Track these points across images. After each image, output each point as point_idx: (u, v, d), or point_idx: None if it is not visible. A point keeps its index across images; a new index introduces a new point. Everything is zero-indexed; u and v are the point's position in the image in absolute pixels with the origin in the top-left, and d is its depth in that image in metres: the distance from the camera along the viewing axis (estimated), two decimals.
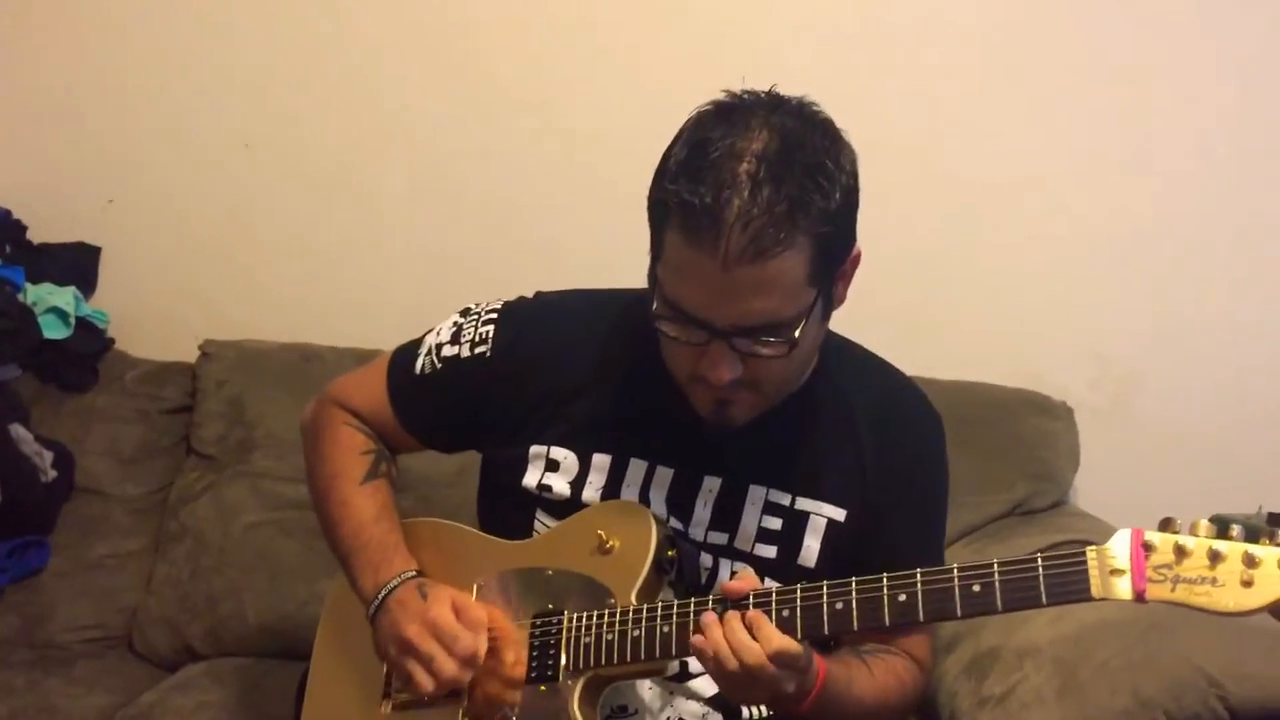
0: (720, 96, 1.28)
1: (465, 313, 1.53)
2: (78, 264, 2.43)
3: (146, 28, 2.41)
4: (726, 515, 1.42)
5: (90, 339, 2.37)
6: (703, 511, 1.42)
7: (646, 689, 1.42)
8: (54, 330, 2.31)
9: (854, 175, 1.26)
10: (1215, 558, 1.09)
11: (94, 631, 2.17)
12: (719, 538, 1.43)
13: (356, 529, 1.48)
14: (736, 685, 1.24)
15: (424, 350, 1.53)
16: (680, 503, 1.43)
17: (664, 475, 1.43)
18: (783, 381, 1.33)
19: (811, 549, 1.42)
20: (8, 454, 2.12)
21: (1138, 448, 2.27)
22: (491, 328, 1.49)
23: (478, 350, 1.48)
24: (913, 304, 2.27)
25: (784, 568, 1.42)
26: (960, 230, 2.28)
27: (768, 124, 1.22)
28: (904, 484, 1.44)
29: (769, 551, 1.42)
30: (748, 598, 1.26)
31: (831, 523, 1.42)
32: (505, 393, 1.47)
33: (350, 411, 1.57)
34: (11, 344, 2.24)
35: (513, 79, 2.33)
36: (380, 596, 1.40)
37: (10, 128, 2.47)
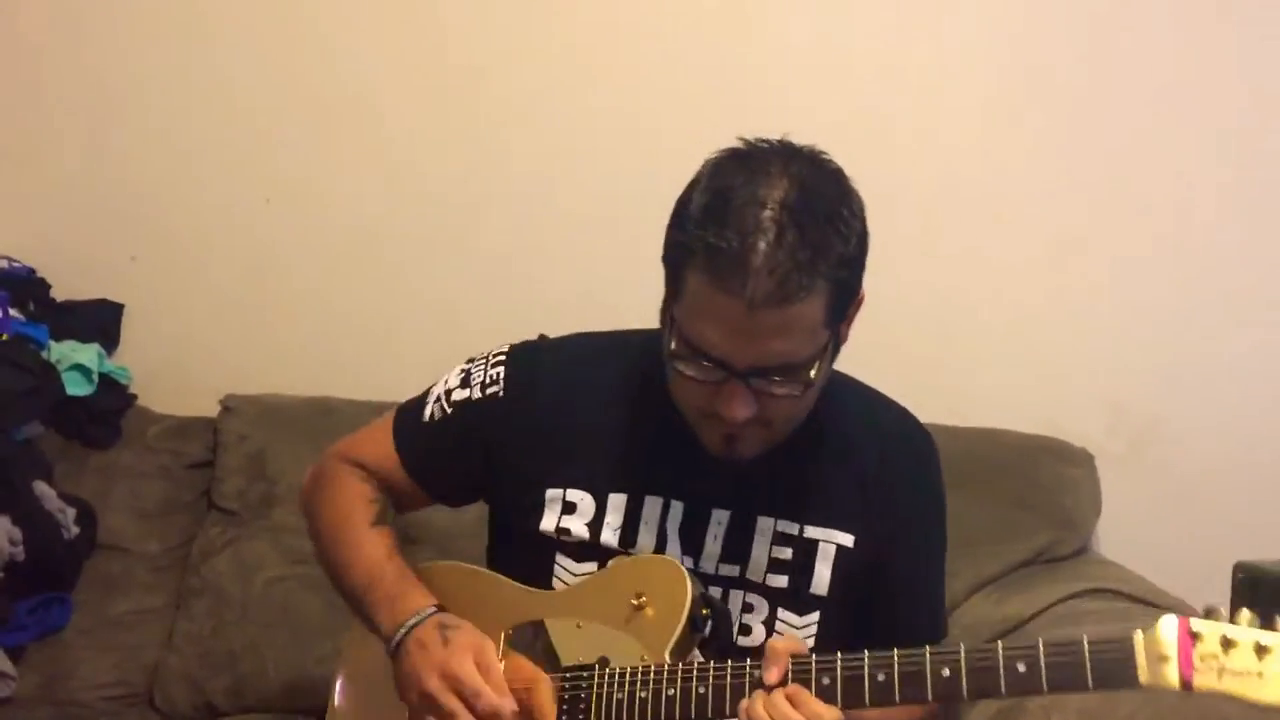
0: (736, 144, 1.31)
1: (471, 360, 1.54)
2: (100, 321, 2.45)
3: (167, 85, 2.44)
4: (737, 547, 1.43)
5: (113, 395, 2.38)
6: (713, 545, 1.43)
7: None
8: (77, 387, 2.33)
9: (864, 222, 1.30)
10: (1262, 651, 1.09)
11: (115, 689, 2.17)
12: (730, 570, 1.43)
13: (370, 566, 1.47)
14: None
15: (431, 399, 1.53)
16: (691, 537, 1.43)
17: (676, 510, 1.44)
18: (792, 419, 1.35)
19: (823, 576, 1.43)
20: (31, 511, 2.13)
21: (1159, 493, 2.26)
22: (502, 369, 1.50)
23: (489, 391, 1.49)
24: (930, 352, 2.27)
25: (797, 596, 1.43)
26: (975, 278, 2.28)
27: (786, 172, 1.25)
28: (906, 504, 1.47)
29: (781, 581, 1.43)
30: (786, 675, 1.25)
31: (841, 549, 1.43)
32: (518, 434, 1.47)
33: (356, 466, 1.57)
34: (35, 401, 2.25)
35: (531, 135, 2.36)
36: (400, 634, 1.39)
37: (33, 186, 2.50)
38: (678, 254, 1.27)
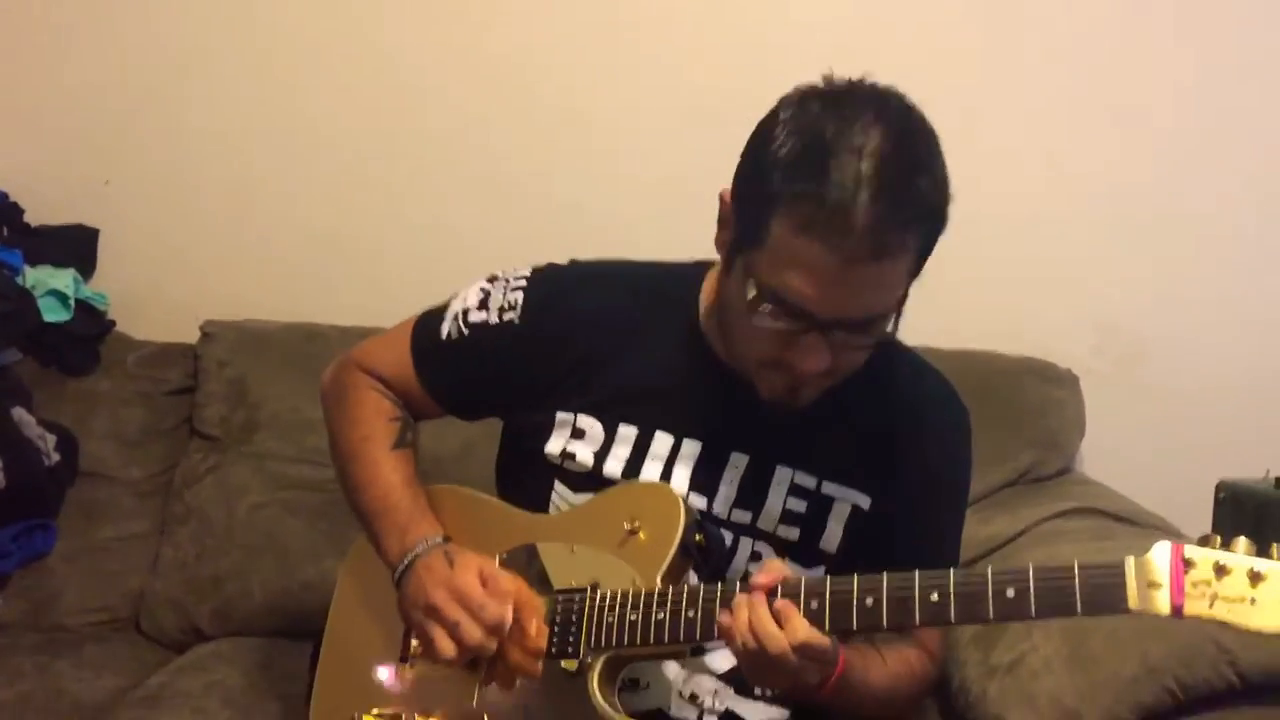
0: (816, 84, 1.26)
1: (493, 279, 1.52)
2: (76, 246, 2.42)
3: (141, 6, 2.39)
4: (751, 494, 1.42)
5: (90, 321, 2.36)
6: (728, 488, 1.42)
7: (659, 663, 1.42)
8: (54, 313, 2.30)
9: (946, 169, 1.26)
10: (1256, 578, 1.08)
11: (101, 614, 2.17)
12: (743, 516, 1.42)
13: (385, 492, 1.47)
14: (759, 670, 1.25)
15: (450, 316, 1.52)
16: (705, 478, 1.42)
17: (691, 449, 1.43)
18: (854, 368, 1.33)
19: (834, 533, 1.43)
20: (10, 438, 2.12)
21: (1143, 414, 2.27)
22: (521, 294, 1.48)
23: (506, 317, 1.47)
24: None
25: (806, 550, 1.42)
26: (962, 200, 2.26)
27: (879, 120, 1.21)
28: (931, 478, 1.45)
29: (792, 533, 1.42)
30: (775, 590, 1.25)
31: (856, 509, 1.43)
32: (533, 360, 1.46)
33: (374, 376, 1.57)
34: (11, 327, 2.23)
35: (516, 51, 2.32)
36: (407, 560, 1.40)
37: (6, 110, 2.45)
38: (761, 200, 1.23)
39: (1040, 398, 2.17)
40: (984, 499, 2.07)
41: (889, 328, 1.27)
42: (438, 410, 1.56)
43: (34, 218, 2.42)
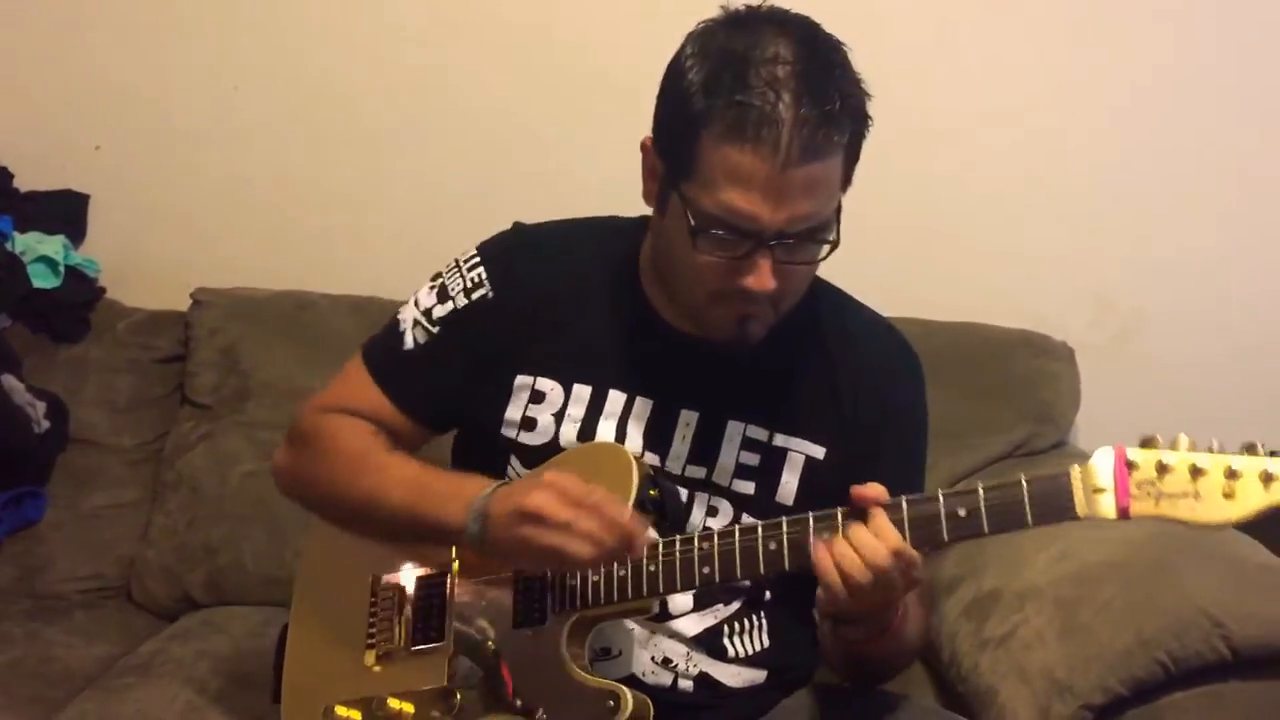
0: (715, 15, 1.28)
1: (436, 276, 1.49)
2: (66, 212, 2.40)
3: None
4: (704, 450, 1.42)
5: (81, 288, 2.34)
6: (680, 445, 1.42)
7: (628, 630, 1.42)
8: (43, 279, 2.28)
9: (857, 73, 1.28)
10: (1197, 472, 1.11)
11: (92, 582, 2.17)
12: (697, 472, 1.42)
13: (408, 482, 1.39)
14: (858, 592, 1.22)
15: (407, 327, 1.48)
16: (657, 436, 1.42)
17: (643, 407, 1.42)
18: (799, 294, 1.34)
19: (790, 486, 1.42)
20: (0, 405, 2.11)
21: (1139, 387, 2.26)
22: (481, 269, 1.46)
23: (476, 295, 1.45)
24: (910, 246, 2.25)
25: (762, 504, 1.42)
26: (955, 170, 2.26)
27: (784, 31, 1.23)
28: (885, 423, 1.44)
29: (747, 487, 1.42)
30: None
31: (810, 459, 1.43)
32: (504, 331, 1.44)
33: (343, 413, 1.50)
34: (0, 293, 2.21)
35: (512, 13, 2.29)
36: (476, 509, 1.31)
37: None
38: (685, 126, 1.24)
39: (1034, 370, 2.16)
40: (977, 471, 2.07)
41: (831, 236, 1.27)
42: (419, 433, 1.49)
43: (23, 183, 2.40)
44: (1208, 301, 2.25)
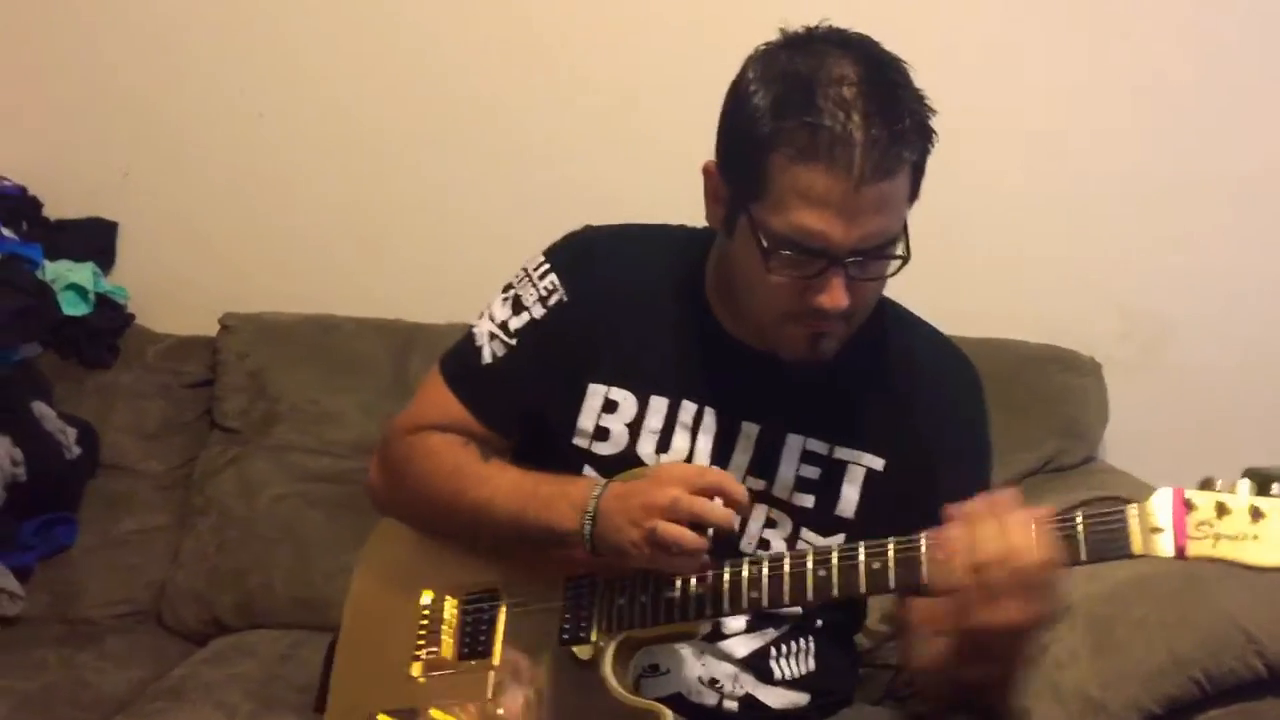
0: (774, 40, 1.28)
1: (508, 287, 1.48)
2: (95, 240, 2.42)
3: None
4: (764, 462, 1.41)
5: (110, 315, 2.36)
6: (741, 457, 1.41)
7: (679, 648, 1.42)
8: (73, 307, 2.31)
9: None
10: (1257, 514, 1.10)
11: (123, 606, 2.18)
12: (756, 484, 1.41)
13: (513, 489, 1.38)
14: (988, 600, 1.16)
15: (483, 341, 1.47)
16: (720, 447, 1.41)
17: (710, 419, 1.41)
18: (869, 309, 1.34)
19: (850, 499, 1.41)
20: (31, 432, 2.12)
21: (1167, 402, 2.25)
22: (553, 275, 1.45)
23: (552, 302, 1.44)
24: (935, 260, 2.20)
25: (822, 517, 1.41)
26: (979, 183, 2.24)
27: (845, 51, 1.23)
28: (946, 438, 1.42)
29: (807, 501, 1.41)
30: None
31: (870, 472, 1.41)
32: (579, 337, 1.43)
33: (428, 430, 1.50)
34: (31, 322, 2.23)
35: (537, 34, 2.30)
36: (591, 508, 1.31)
37: (23, 103, 2.45)
38: (754, 149, 1.23)
39: (1062, 386, 2.15)
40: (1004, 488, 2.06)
41: (900, 251, 1.27)
42: (497, 441, 1.48)
43: (53, 211, 2.43)
44: (1234, 314, 2.24)
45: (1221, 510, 1.11)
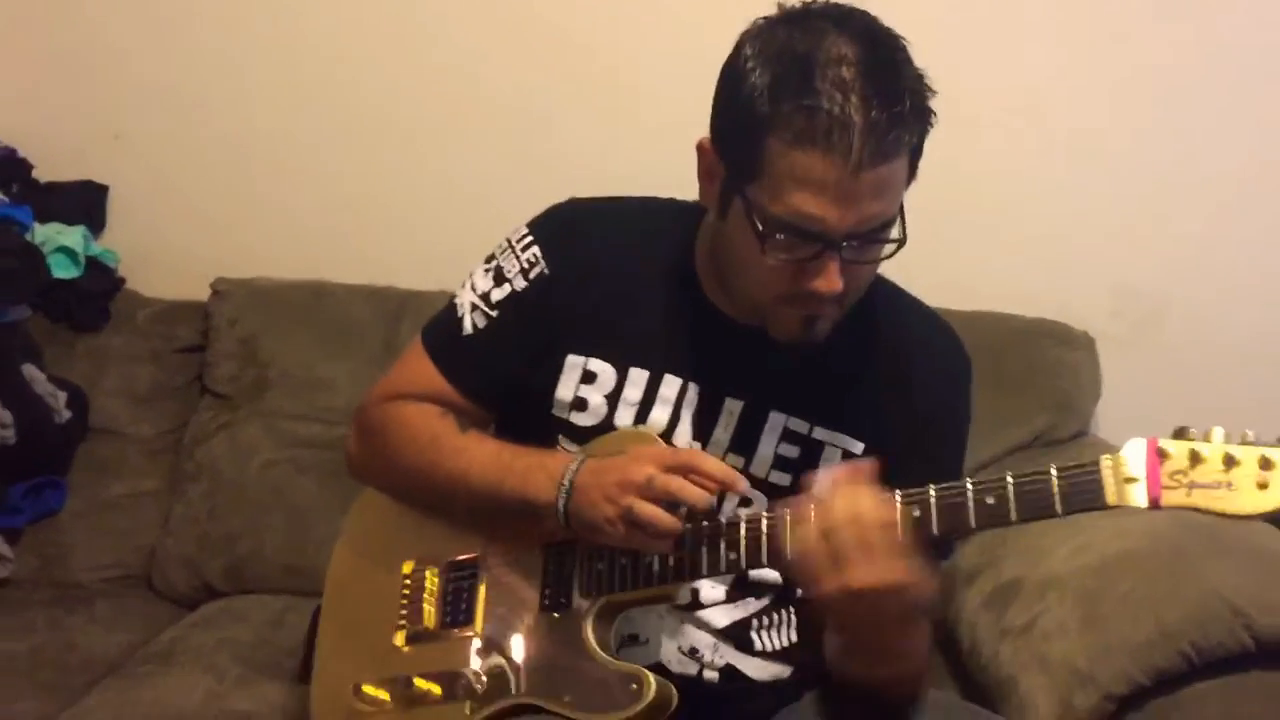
0: (771, 14, 1.25)
1: (490, 258, 1.47)
2: (86, 202, 2.40)
3: None
4: (745, 439, 1.41)
5: (101, 279, 2.35)
6: (722, 433, 1.41)
7: (657, 618, 1.42)
8: (64, 270, 2.29)
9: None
10: (1230, 462, 1.09)
11: (113, 570, 2.18)
12: (735, 461, 1.41)
13: (490, 460, 1.39)
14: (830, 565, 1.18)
15: (464, 311, 1.46)
16: (701, 423, 1.41)
17: (692, 394, 1.41)
18: (862, 291, 1.33)
19: None
20: (21, 395, 2.12)
21: (1161, 377, 2.25)
22: (536, 247, 1.44)
23: (534, 274, 1.43)
24: (930, 234, 2.21)
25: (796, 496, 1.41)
26: (975, 160, 2.23)
27: (844, 29, 1.21)
28: (926, 422, 1.42)
29: (784, 480, 1.41)
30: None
31: (847, 454, 1.41)
32: (559, 307, 1.42)
33: (406, 400, 1.50)
34: (20, 284, 2.21)
35: (525, 5, 2.28)
36: (566, 482, 1.32)
37: (13, 64, 2.43)
38: (750, 130, 1.21)
39: (1054, 360, 2.15)
40: (996, 461, 2.06)
41: (894, 233, 1.26)
42: (476, 412, 1.49)
43: (43, 174, 2.41)
44: (1227, 291, 2.24)
45: (1195, 459, 1.10)
